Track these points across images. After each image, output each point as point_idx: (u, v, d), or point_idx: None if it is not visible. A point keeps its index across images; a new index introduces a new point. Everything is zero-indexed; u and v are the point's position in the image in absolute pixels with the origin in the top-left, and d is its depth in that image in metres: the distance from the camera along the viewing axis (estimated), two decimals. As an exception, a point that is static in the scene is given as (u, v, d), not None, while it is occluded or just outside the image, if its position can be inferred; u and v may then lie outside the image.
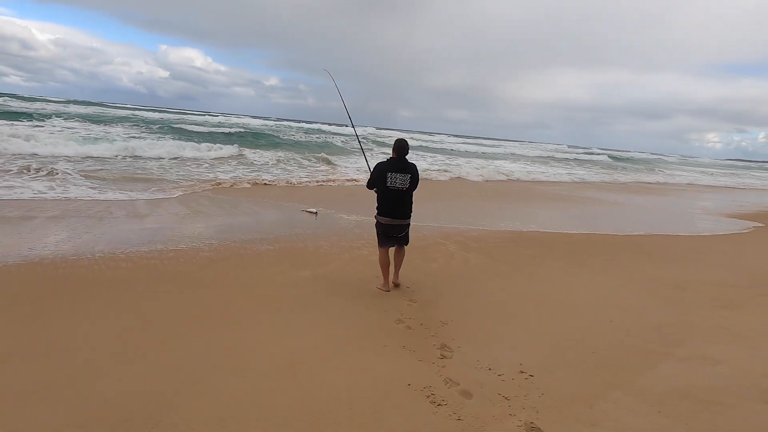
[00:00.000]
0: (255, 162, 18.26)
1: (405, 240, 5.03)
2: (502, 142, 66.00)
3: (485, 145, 49.36)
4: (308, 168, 18.53)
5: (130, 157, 15.87)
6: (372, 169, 4.79)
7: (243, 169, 16.22)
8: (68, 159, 14.09)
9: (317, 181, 15.12)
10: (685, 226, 12.40)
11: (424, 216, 10.25)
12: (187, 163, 15.93)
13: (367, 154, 6.66)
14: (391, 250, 5.03)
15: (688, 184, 31.15)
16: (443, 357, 3.81)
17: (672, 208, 16.88)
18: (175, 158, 16.73)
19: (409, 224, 4.93)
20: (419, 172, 4.88)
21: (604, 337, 4.51)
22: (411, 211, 4.87)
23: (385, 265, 4.98)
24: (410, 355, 3.82)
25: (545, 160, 39.08)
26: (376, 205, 4.85)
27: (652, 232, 10.74)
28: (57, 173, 11.44)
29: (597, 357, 4.05)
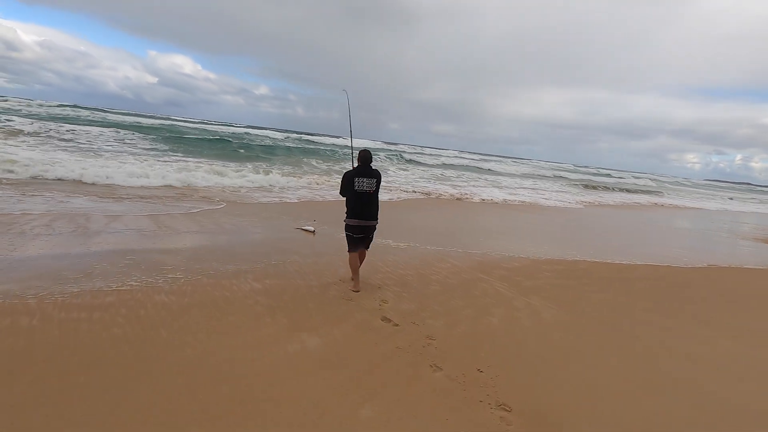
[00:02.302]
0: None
1: (369, 242, 5.29)
2: (491, 157, 64.44)
3: (476, 160, 47.57)
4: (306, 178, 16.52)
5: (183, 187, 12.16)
6: (342, 178, 5.09)
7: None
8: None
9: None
10: (738, 256, 10.77)
11: (441, 238, 8.39)
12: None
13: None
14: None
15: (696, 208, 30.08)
16: None
17: (699, 231, 15.37)
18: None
19: (375, 226, 5.19)
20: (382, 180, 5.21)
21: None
22: (378, 213, 5.15)
23: (355, 268, 5.18)
24: None
25: (547, 179, 37.16)
26: (345, 210, 5.10)
27: (713, 263, 9.04)
28: None
29: None
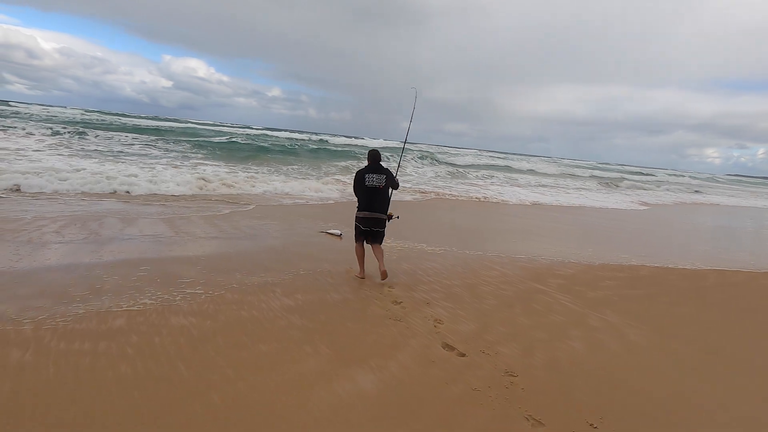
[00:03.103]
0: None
1: (380, 237, 5.36)
2: (508, 155, 61.86)
3: (496, 157, 45.69)
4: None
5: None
6: (354, 176, 5.38)
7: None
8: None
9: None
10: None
11: (479, 241, 7.66)
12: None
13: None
14: (369, 246, 5.38)
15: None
16: None
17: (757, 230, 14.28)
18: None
19: (384, 220, 5.28)
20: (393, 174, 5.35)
21: None
22: (387, 208, 5.30)
23: (361, 256, 5.33)
24: None
25: (581, 178, 34.79)
26: (357, 205, 5.36)
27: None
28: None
29: None
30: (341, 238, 7.39)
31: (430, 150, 38.60)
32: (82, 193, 9.24)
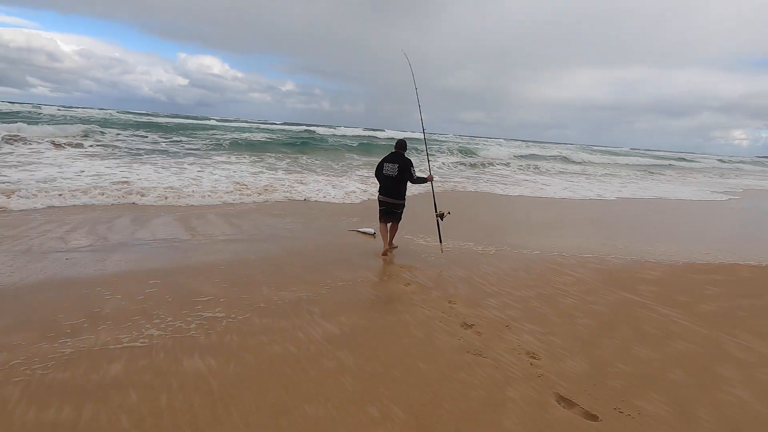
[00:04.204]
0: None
1: (397, 217, 5.65)
2: (529, 143, 57.49)
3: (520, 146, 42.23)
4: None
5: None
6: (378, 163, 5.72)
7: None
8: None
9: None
10: None
11: (531, 238, 6.64)
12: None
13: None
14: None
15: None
16: None
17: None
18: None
19: (399, 204, 5.58)
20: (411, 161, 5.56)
21: None
22: (401, 195, 5.58)
23: (384, 234, 5.68)
24: None
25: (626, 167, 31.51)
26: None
27: None
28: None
29: None
30: (375, 237, 6.46)
31: (457, 140, 36.22)
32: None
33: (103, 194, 7.85)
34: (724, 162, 50.70)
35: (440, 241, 5.71)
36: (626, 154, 45.74)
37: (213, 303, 3.69)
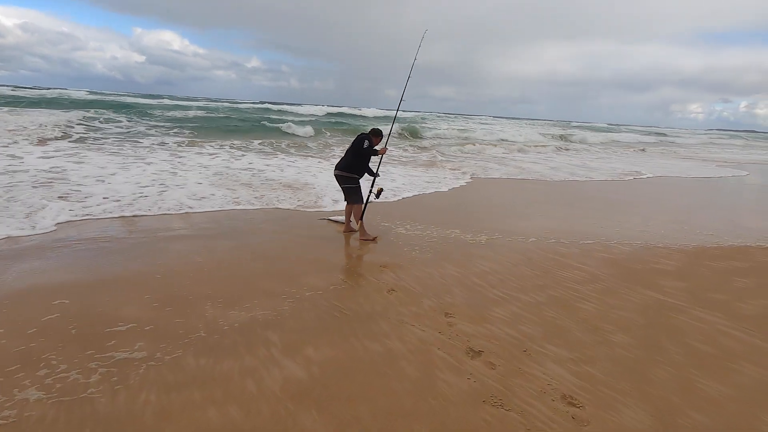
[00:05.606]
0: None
1: (347, 194, 5.29)
2: (499, 120, 53.87)
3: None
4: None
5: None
6: None
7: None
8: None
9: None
10: None
11: (526, 221, 5.94)
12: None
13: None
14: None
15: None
16: None
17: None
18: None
19: (344, 177, 5.23)
20: None
21: None
22: (350, 168, 5.23)
23: (347, 214, 5.43)
24: None
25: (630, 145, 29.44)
26: None
27: None
28: None
29: None
30: (376, 241, 5.05)
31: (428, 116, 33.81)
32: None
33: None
34: (712, 137, 50.85)
35: (361, 218, 5.18)
36: (612, 131, 44.41)
37: (133, 334, 2.72)
